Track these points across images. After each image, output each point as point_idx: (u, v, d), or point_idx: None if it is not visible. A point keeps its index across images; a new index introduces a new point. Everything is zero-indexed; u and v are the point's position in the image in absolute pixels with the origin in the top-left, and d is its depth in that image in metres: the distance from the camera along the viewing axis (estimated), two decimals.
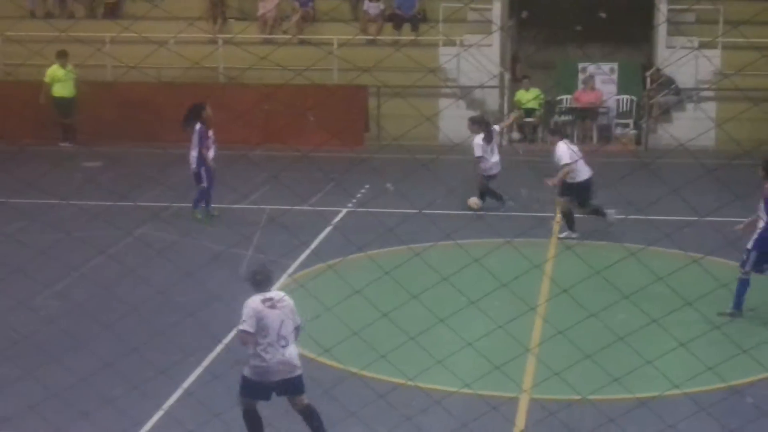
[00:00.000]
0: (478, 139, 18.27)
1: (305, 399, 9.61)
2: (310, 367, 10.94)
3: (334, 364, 11.26)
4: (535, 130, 25.99)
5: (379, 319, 9.55)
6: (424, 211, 16.87)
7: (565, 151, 16.80)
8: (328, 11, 26.52)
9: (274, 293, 9.49)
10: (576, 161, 16.44)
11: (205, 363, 11.81)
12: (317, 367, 11.25)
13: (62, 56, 24.04)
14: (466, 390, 10.10)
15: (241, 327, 9.27)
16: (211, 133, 17.56)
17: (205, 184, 17.61)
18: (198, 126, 17.40)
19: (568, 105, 25.90)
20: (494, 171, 18.49)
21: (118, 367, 10.74)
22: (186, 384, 11.17)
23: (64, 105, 24.20)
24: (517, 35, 28.75)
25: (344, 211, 18.51)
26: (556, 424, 9.99)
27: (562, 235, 16.94)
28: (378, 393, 10.24)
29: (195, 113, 17.47)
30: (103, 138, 23.49)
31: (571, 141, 19.03)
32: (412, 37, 26.25)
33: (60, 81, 24.15)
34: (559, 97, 26.04)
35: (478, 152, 18.27)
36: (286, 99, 23.27)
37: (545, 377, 10.42)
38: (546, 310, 12.93)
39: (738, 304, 13.38)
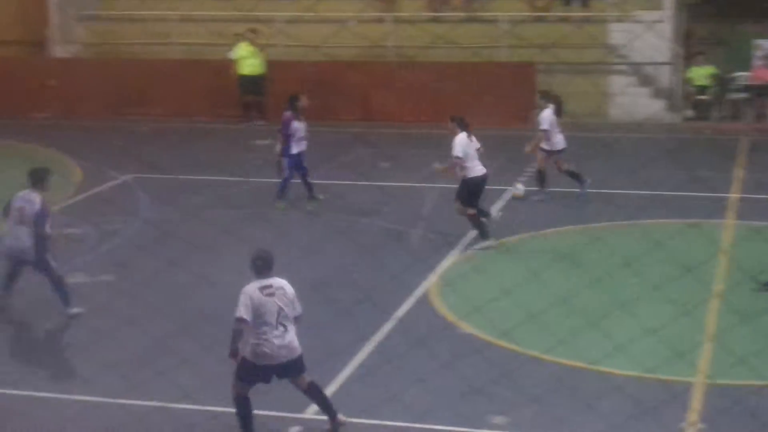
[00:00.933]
0: (548, 112, 17.50)
1: (307, 378, 9.52)
2: (487, 351, 10.92)
3: (511, 346, 11.17)
4: (709, 107, 25.23)
5: (555, 302, 9.44)
6: (599, 190, 16.65)
7: (459, 144, 14.97)
8: None
9: (273, 280, 9.36)
10: (468, 156, 14.85)
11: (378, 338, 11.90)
12: (495, 350, 11.18)
13: (250, 34, 24.13)
14: (644, 374, 9.89)
15: (236, 314, 9.19)
16: (301, 125, 16.95)
17: (286, 174, 17.00)
18: (286, 114, 16.90)
19: (745, 82, 25.04)
20: (561, 146, 17.68)
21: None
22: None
23: (251, 83, 24.21)
24: (690, 11, 27.91)
25: (513, 189, 18.32)
26: (737, 411, 9.71)
27: (477, 247, 15.00)
28: (555, 375, 10.13)
29: (289, 103, 16.87)
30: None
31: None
32: (582, 14, 25.77)
33: (247, 59, 24.34)
34: (734, 74, 25.20)
35: (545, 125, 17.49)
36: (455, 76, 23.26)
37: (725, 362, 10.13)
38: (724, 293, 12.55)
39: None
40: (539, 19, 25.49)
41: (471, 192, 14.93)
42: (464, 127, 15.16)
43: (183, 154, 20.99)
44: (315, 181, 17.40)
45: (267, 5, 25.75)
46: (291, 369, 9.41)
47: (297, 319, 9.45)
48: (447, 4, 26.38)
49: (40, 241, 12.25)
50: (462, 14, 25.57)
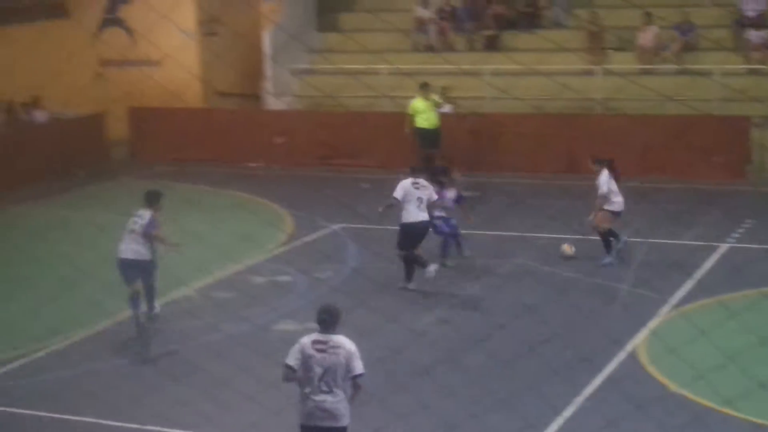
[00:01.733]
0: (605, 176, 16.59)
1: None
2: (711, 419, 10.44)
3: (739, 415, 10.64)
4: None
5: None
6: None
7: (401, 187, 15.57)
8: (710, 40, 25.56)
9: (331, 337, 8.87)
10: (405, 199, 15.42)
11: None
12: (719, 419, 10.66)
13: (424, 88, 24.41)
14: None
15: (285, 360, 8.90)
16: (449, 194, 16.87)
17: (446, 231, 16.76)
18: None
19: None
20: (620, 208, 16.76)
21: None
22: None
23: (426, 136, 24.47)
24: None
25: (727, 245, 17.66)
26: None
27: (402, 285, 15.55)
28: None
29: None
30: (471, 167, 23.59)
31: None
32: None
33: (421, 113, 24.59)
34: None
35: (603, 188, 16.63)
36: (665, 129, 22.70)
37: None
38: None
39: None
40: (754, 72, 24.67)
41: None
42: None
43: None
44: (521, 234, 17.23)
45: (474, 58, 25.88)
46: None
47: (355, 381, 8.85)
48: (658, 56, 25.86)
49: (149, 243, 13.88)
50: (674, 66, 24.99)
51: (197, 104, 27.45)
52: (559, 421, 10.85)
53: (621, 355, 12.58)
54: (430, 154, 23.72)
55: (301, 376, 8.83)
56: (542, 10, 28.07)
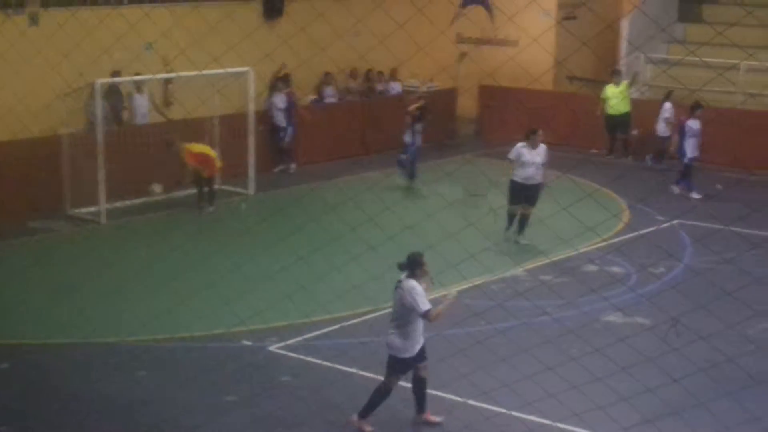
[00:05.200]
0: None
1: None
2: None
3: None
4: None
5: None
6: None
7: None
8: None
9: (403, 279, 10.70)
10: None
11: None
12: None
13: (616, 74, 25.33)
14: None
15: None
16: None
17: None
18: None
19: None
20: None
21: None
22: None
23: (614, 122, 25.19)
24: None
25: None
26: None
27: None
28: None
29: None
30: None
31: None
32: None
33: (611, 99, 25.11)
34: None
35: None
36: None
37: None
38: None
39: None
40: None
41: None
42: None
43: (735, 203, 20.35)
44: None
45: None
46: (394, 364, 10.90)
47: (422, 317, 10.61)
48: None
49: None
50: None
51: (548, 87, 27.61)
52: None
53: None
54: (615, 136, 25.30)
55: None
56: None
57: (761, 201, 20.66)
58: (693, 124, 21.56)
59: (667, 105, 23.91)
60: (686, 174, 21.72)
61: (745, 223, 17.71)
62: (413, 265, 10.73)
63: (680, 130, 21.94)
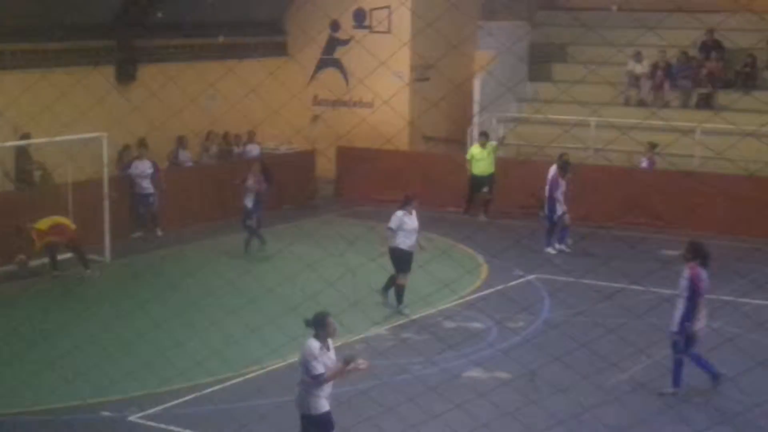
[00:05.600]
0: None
1: None
2: None
3: None
4: None
5: None
6: None
7: None
8: None
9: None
10: None
11: None
12: None
13: (482, 136, 25.75)
14: None
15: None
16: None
17: None
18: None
19: None
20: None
21: None
22: None
23: (479, 181, 25.51)
24: None
25: None
26: None
27: None
28: None
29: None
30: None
31: None
32: None
33: (478, 160, 25.40)
34: None
35: None
36: None
37: None
38: None
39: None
40: None
41: None
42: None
43: (587, 257, 20.86)
44: (726, 299, 16.83)
45: (687, 115, 25.53)
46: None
47: (311, 380, 10.46)
48: None
49: None
50: None
51: (404, 147, 28.00)
52: None
53: None
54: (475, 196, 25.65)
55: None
56: (761, 71, 27.45)
57: (611, 254, 21.25)
58: (560, 182, 21.94)
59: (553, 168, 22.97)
60: (551, 230, 22.11)
61: (596, 276, 18.23)
62: (317, 325, 10.65)
63: (550, 189, 22.11)
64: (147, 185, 23.37)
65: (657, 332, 14.72)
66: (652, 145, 24.98)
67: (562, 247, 22.04)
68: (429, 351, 15.39)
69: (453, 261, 19.56)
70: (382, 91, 25.99)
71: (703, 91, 27.47)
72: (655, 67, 28.04)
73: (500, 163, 25.75)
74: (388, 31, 28.27)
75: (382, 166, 26.69)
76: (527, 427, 11.87)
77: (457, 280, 17.37)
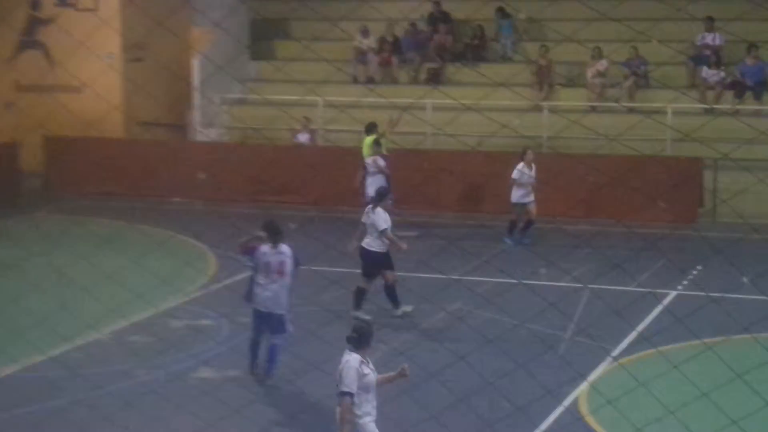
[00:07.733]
0: None
1: None
2: None
3: None
4: None
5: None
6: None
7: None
8: (662, 78, 25.94)
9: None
10: None
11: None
12: None
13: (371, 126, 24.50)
14: None
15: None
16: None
17: None
18: None
19: None
20: None
21: None
22: None
23: None
24: None
25: (674, 293, 17.88)
26: None
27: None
28: None
29: None
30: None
31: None
32: (757, 107, 25.31)
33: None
34: None
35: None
36: (614, 170, 22.79)
37: None
38: None
39: None
40: (708, 112, 25.08)
41: None
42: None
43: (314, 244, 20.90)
44: (459, 277, 17.31)
45: (417, 91, 26.07)
46: None
47: (338, 396, 10.00)
48: (606, 94, 26.25)
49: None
50: (625, 105, 25.32)
51: (117, 134, 27.32)
52: None
53: (559, 408, 12.65)
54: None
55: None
56: (489, 43, 28.39)
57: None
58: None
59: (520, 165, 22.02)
60: None
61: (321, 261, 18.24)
62: (363, 340, 10.06)
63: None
64: None
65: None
66: (308, 120, 25.82)
67: None
68: (153, 353, 15.03)
69: (176, 255, 19.25)
70: (92, 74, 25.22)
71: (433, 65, 28.17)
72: (382, 41, 28.49)
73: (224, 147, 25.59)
74: (95, 9, 27.51)
75: (95, 156, 25.92)
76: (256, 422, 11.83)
77: (182, 275, 17.08)
